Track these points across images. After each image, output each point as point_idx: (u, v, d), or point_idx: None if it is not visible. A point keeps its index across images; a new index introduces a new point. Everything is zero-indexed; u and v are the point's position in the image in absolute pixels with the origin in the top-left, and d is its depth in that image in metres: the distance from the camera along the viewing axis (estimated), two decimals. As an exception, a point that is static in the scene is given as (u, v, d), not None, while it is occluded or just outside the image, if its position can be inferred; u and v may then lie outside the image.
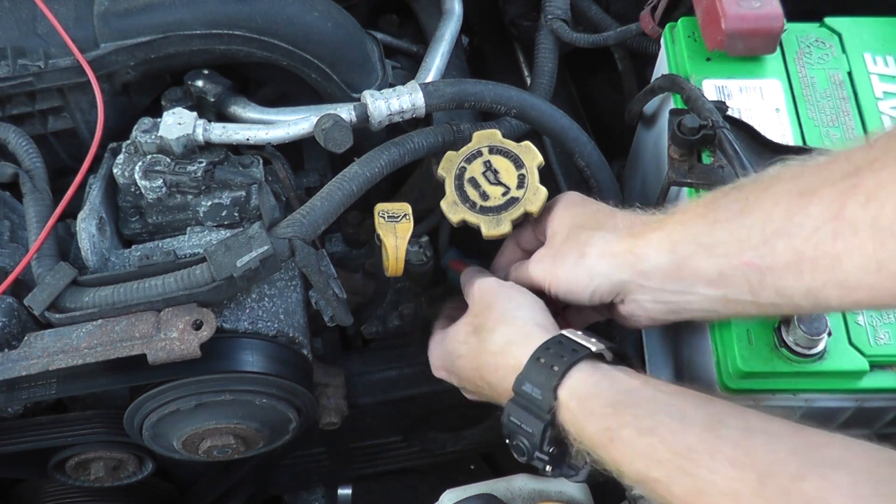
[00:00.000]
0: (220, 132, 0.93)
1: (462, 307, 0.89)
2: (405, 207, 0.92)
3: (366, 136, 0.97)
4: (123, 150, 0.94)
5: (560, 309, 0.87)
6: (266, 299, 0.90)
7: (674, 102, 0.93)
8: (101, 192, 0.92)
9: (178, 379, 0.85)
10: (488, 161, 0.92)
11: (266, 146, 0.96)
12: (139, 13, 0.94)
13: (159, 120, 0.93)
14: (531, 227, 0.92)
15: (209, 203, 0.92)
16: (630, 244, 0.78)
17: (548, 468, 0.74)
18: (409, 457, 1.26)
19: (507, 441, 0.76)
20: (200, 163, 0.91)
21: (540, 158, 0.93)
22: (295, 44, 0.96)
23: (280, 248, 0.83)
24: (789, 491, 0.57)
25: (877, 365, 0.79)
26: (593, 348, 0.74)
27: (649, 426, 0.65)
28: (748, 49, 0.93)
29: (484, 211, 0.90)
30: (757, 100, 0.92)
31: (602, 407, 0.69)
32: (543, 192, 0.91)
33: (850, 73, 0.94)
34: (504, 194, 0.91)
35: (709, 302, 0.75)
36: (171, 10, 0.94)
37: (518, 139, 0.95)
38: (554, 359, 0.73)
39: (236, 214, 0.94)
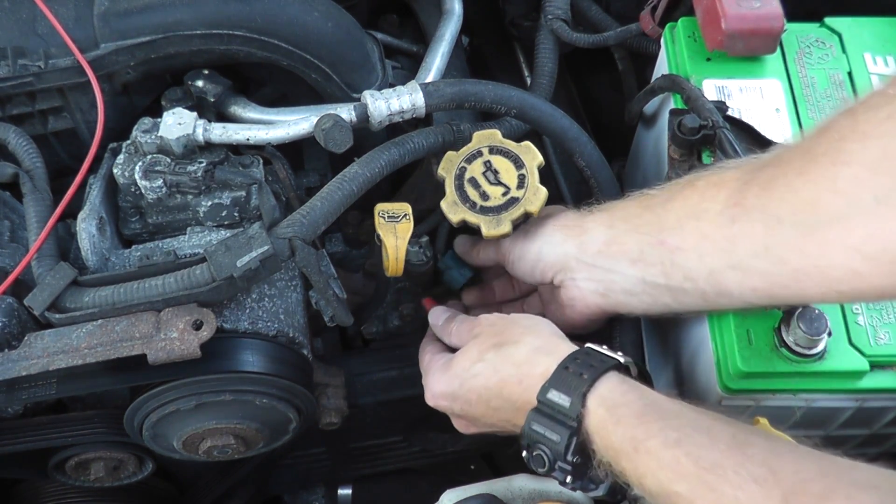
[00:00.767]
0: (220, 132, 0.93)
1: (441, 344, 0.91)
2: (405, 207, 0.92)
3: (366, 136, 0.97)
4: (123, 150, 0.94)
5: None
6: (266, 299, 0.90)
7: (674, 102, 0.93)
8: (101, 192, 0.92)
9: (178, 379, 0.85)
10: (488, 161, 0.92)
11: (266, 146, 0.96)
12: (139, 13, 0.94)
13: (159, 120, 0.93)
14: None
15: (209, 203, 0.92)
16: (579, 219, 0.88)
17: (568, 479, 0.73)
18: (409, 457, 1.26)
19: (525, 453, 0.75)
20: (200, 163, 0.91)
21: (540, 158, 0.93)
22: (295, 44, 0.96)
23: (280, 248, 0.83)
24: None
25: (877, 365, 0.79)
26: (621, 360, 0.74)
27: (676, 439, 0.65)
28: (748, 49, 0.93)
29: (484, 211, 0.90)
30: (757, 100, 0.92)
31: (630, 416, 0.69)
32: (543, 192, 0.91)
33: (850, 74, 0.94)
34: (504, 194, 0.91)
35: (630, 283, 0.81)
36: (171, 10, 0.94)
37: (518, 139, 0.95)
38: (583, 367, 0.73)
39: (236, 214, 0.94)
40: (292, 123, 0.94)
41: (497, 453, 1.35)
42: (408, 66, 1.14)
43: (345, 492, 1.30)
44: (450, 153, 0.93)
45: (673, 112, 0.89)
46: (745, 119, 0.89)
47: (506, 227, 0.90)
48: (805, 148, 0.68)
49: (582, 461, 0.72)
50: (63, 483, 1.03)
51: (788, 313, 0.78)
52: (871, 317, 0.81)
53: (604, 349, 0.76)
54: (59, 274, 0.84)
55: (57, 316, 0.83)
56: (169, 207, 0.94)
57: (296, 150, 1.07)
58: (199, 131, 0.92)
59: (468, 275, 1.04)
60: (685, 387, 0.89)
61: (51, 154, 0.99)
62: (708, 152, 0.87)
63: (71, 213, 0.91)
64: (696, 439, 0.64)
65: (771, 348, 0.79)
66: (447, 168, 0.92)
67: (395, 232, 0.90)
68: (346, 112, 0.93)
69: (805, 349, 0.78)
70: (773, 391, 0.80)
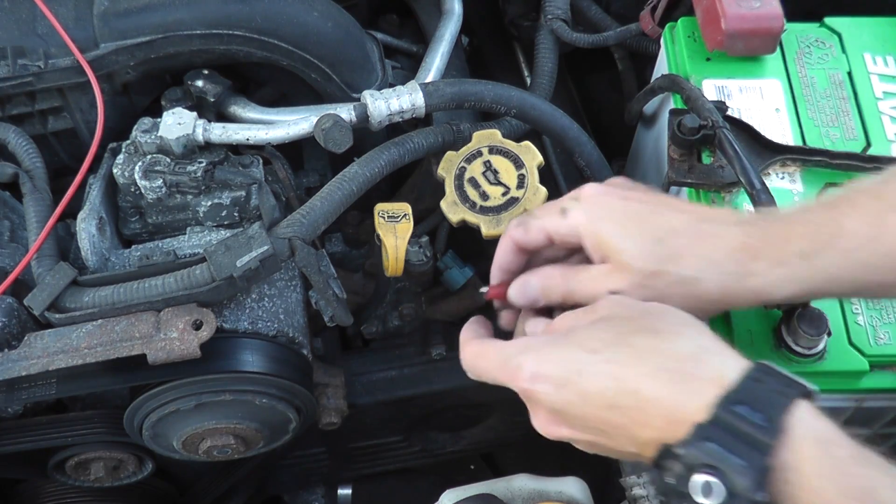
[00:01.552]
0: (220, 132, 0.93)
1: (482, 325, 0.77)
2: (405, 207, 0.92)
3: (366, 136, 0.97)
4: (123, 150, 0.94)
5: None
6: (266, 299, 0.90)
7: (674, 102, 0.93)
8: (101, 192, 0.92)
9: (178, 379, 0.85)
10: (488, 161, 0.92)
11: (266, 146, 0.96)
12: (139, 13, 0.94)
13: (159, 120, 0.93)
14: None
15: (209, 203, 0.92)
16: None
17: None
18: (409, 457, 1.26)
19: (680, 482, 0.58)
20: (200, 163, 0.92)
21: (540, 158, 0.93)
22: (295, 44, 0.96)
23: (280, 248, 0.83)
24: None
25: (877, 365, 0.79)
26: (809, 386, 0.61)
27: None
28: (748, 49, 0.93)
29: (484, 211, 0.90)
30: (757, 100, 0.92)
31: (850, 457, 0.58)
32: (543, 192, 0.91)
33: (849, 73, 0.94)
34: (504, 194, 0.91)
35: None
36: (171, 10, 0.94)
37: (518, 139, 0.95)
38: (777, 384, 0.60)
39: (236, 214, 0.94)
40: (292, 123, 0.95)
41: (497, 453, 1.35)
42: (408, 66, 1.14)
43: (345, 492, 1.30)
44: (450, 153, 0.93)
45: (673, 112, 0.89)
46: (745, 119, 0.89)
47: (505, 227, 0.90)
48: None
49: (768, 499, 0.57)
50: (63, 483, 1.03)
51: (788, 313, 0.78)
52: (871, 317, 0.81)
53: (782, 369, 0.62)
54: (58, 274, 0.84)
55: (57, 316, 0.83)
56: (169, 207, 0.94)
57: (296, 150, 1.07)
58: (199, 131, 0.92)
59: (468, 275, 1.04)
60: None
61: (51, 154, 0.99)
62: (708, 152, 0.87)
63: (71, 213, 0.91)
64: None
65: (771, 348, 0.79)
66: (447, 168, 0.93)
67: (395, 232, 0.90)
68: (346, 112, 0.93)
69: (805, 349, 0.77)
70: (773, 391, 0.80)
